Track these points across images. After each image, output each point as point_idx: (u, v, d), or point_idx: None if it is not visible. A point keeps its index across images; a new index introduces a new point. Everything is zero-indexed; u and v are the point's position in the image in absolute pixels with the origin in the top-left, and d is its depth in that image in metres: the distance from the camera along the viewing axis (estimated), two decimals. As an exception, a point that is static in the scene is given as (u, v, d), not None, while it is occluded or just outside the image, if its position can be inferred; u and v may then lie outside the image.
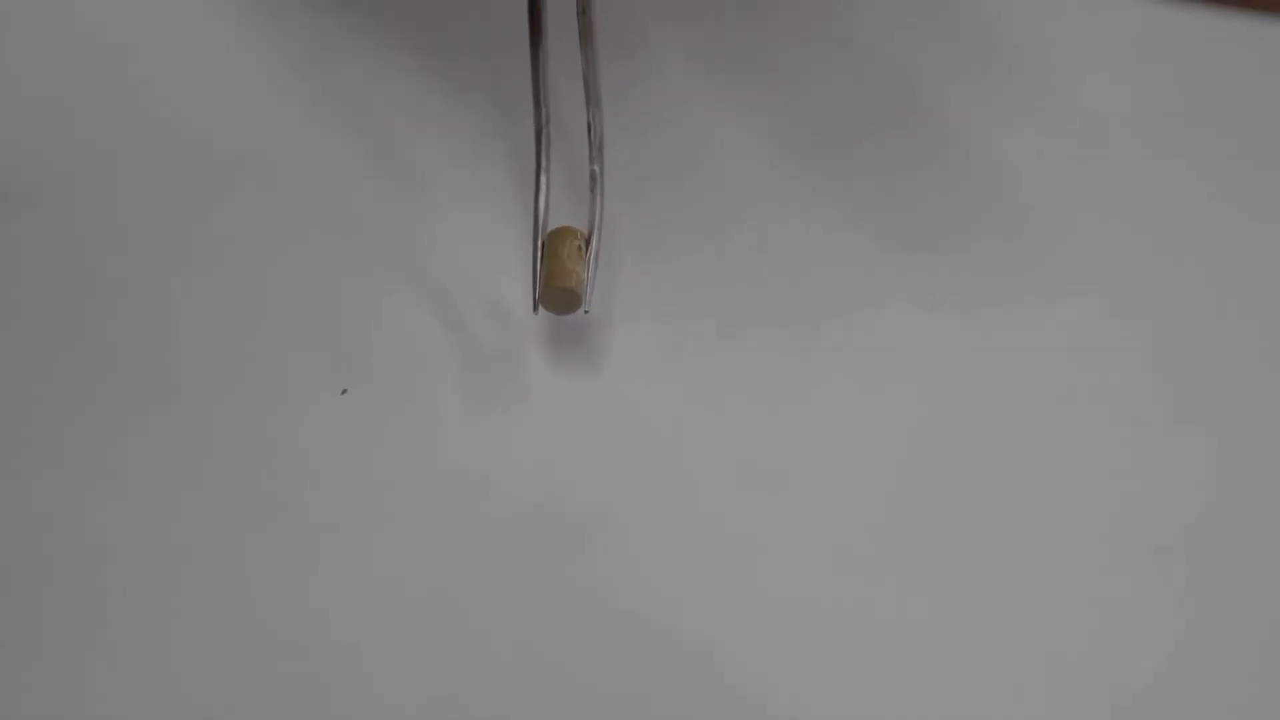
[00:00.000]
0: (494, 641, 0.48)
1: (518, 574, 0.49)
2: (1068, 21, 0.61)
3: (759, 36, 0.61)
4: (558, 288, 0.51)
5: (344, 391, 0.52)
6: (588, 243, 0.52)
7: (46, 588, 0.48)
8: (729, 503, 0.50)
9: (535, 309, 0.51)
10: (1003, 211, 0.56)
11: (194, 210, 0.56)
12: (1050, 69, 0.60)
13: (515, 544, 0.49)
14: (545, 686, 0.47)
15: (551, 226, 0.53)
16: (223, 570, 0.48)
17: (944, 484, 0.51)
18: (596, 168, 0.53)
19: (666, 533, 0.50)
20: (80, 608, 0.48)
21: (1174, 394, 0.53)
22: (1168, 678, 0.47)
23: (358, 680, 0.47)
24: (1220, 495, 0.51)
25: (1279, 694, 0.47)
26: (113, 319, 0.53)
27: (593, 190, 0.53)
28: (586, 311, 0.51)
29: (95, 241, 0.55)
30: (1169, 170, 0.58)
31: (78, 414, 0.51)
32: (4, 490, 0.50)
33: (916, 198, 0.57)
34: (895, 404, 0.52)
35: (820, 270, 0.55)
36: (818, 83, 0.59)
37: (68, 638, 0.47)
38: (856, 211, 0.56)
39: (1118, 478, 0.51)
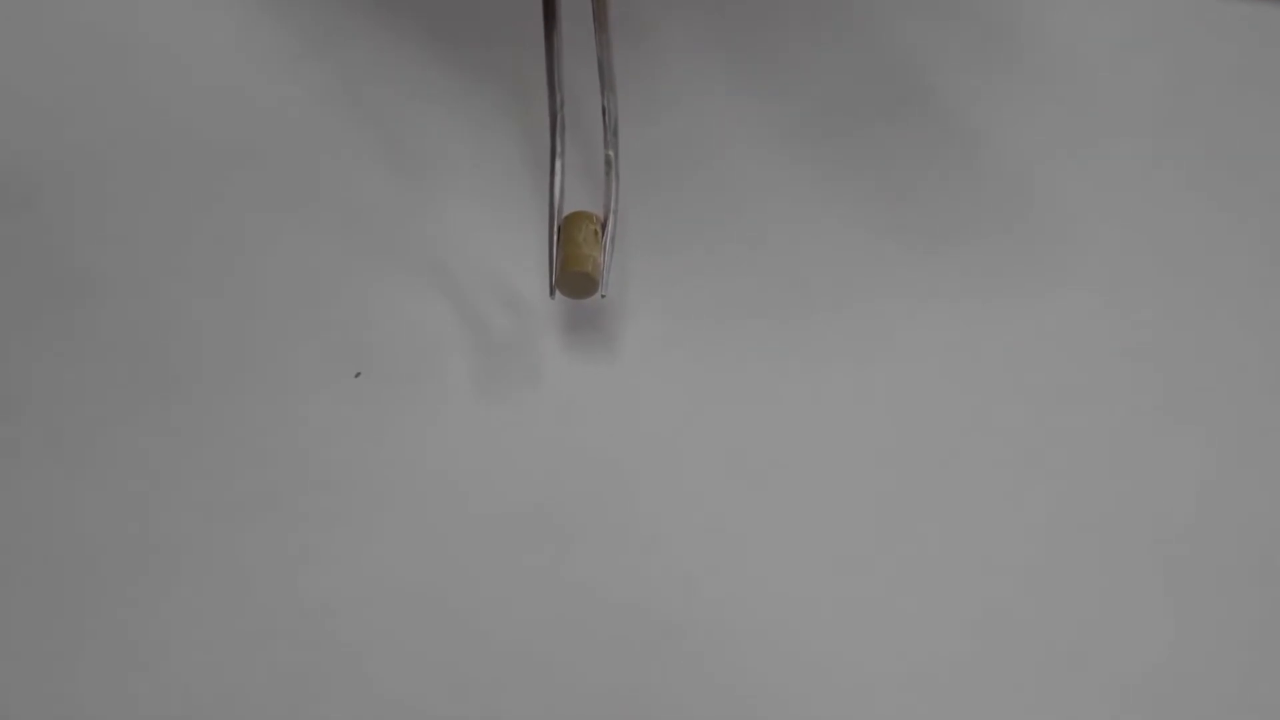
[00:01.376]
0: (498, 634, 0.48)
1: (523, 568, 0.49)
2: (1071, 14, 0.61)
3: (770, 25, 0.61)
4: (574, 272, 0.50)
5: (358, 375, 0.52)
6: (604, 227, 0.52)
7: (42, 581, 0.48)
8: (735, 496, 0.50)
9: (552, 294, 0.51)
10: (1005, 205, 0.56)
11: (195, 202, 0.56)
12: (1053, 62, 0.60)
13: (523, 538, 0.49)
14: (545, 677, 0.47)
15: (567, 211, 0.52)
16: (227, 563, 0.48)
17: (941, 479, 0.51)
18: (611, 152, 0.53)
19: (677, 527, 0.50)
20: (75, 601, 0.48)
21: (1169, 390, 0.52)
22: (1163, 671, 0.47)
23: (358, 670, 0.47)
24: (1217, 491, 0.50)
25: (1271, 688, 0.47)
26: (113, 314, 0.53)
27: (608, 175, 0.53)
28: (603, 296, 0.51)
29: (94, 236, 0.55)
30: (1167, 164, 0.57)
31: (76, 409, 0.51)
32: (1, 485, 0.50)
33: (928, 189, 0.57)
34: (895, 399, 0.52)
35: (831, 263, 0.55)
36: (828, 70, 0.59)
37: (62, 631, 0.47)
38: (867, 202, 0.56)
39: (1114, 474, 0.51)
